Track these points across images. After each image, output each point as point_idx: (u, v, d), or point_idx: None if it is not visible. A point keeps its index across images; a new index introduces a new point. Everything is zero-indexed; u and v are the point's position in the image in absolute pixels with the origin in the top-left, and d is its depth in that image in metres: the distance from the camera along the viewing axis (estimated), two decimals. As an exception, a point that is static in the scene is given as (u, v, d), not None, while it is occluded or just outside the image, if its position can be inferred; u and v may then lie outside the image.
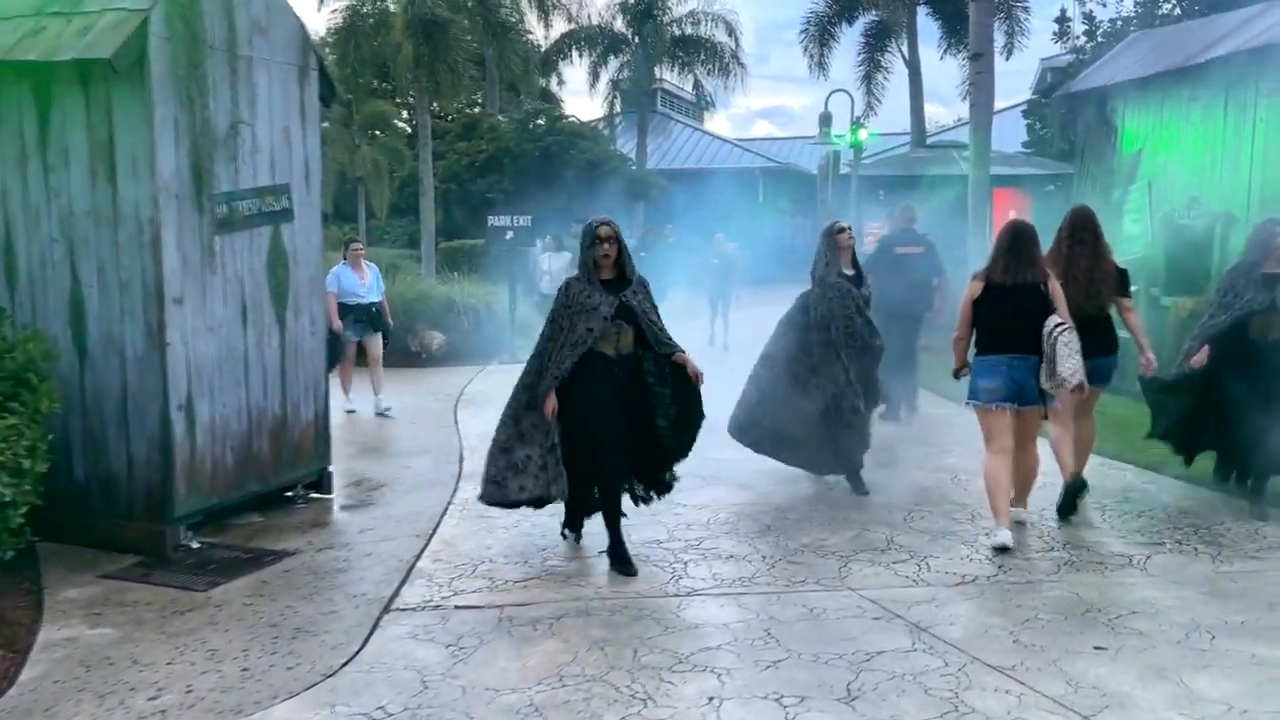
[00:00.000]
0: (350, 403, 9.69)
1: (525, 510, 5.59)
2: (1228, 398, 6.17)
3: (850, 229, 7.01)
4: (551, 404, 5.21)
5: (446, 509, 6.40)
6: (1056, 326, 5.41)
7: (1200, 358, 6.16)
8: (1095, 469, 7.42)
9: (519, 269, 14.72)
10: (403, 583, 5.04)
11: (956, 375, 5.92)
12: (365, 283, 9.65)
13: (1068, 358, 5.33)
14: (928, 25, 24.43)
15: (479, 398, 10.76)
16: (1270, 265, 6.06)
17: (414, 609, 4.70)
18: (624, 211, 22.93)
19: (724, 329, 14.26)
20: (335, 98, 7.15)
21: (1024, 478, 5.93)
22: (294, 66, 6.33)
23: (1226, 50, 10.28)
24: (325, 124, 26.89)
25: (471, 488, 6.86)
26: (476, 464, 7.55)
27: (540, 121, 24.46)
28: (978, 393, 5.59)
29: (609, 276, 5.29)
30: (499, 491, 5.35)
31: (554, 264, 13.82)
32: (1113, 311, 6.32)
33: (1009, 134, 24.97)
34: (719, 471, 7.40)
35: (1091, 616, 4.54)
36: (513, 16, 24.37)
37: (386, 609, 4.70)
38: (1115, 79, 12.31)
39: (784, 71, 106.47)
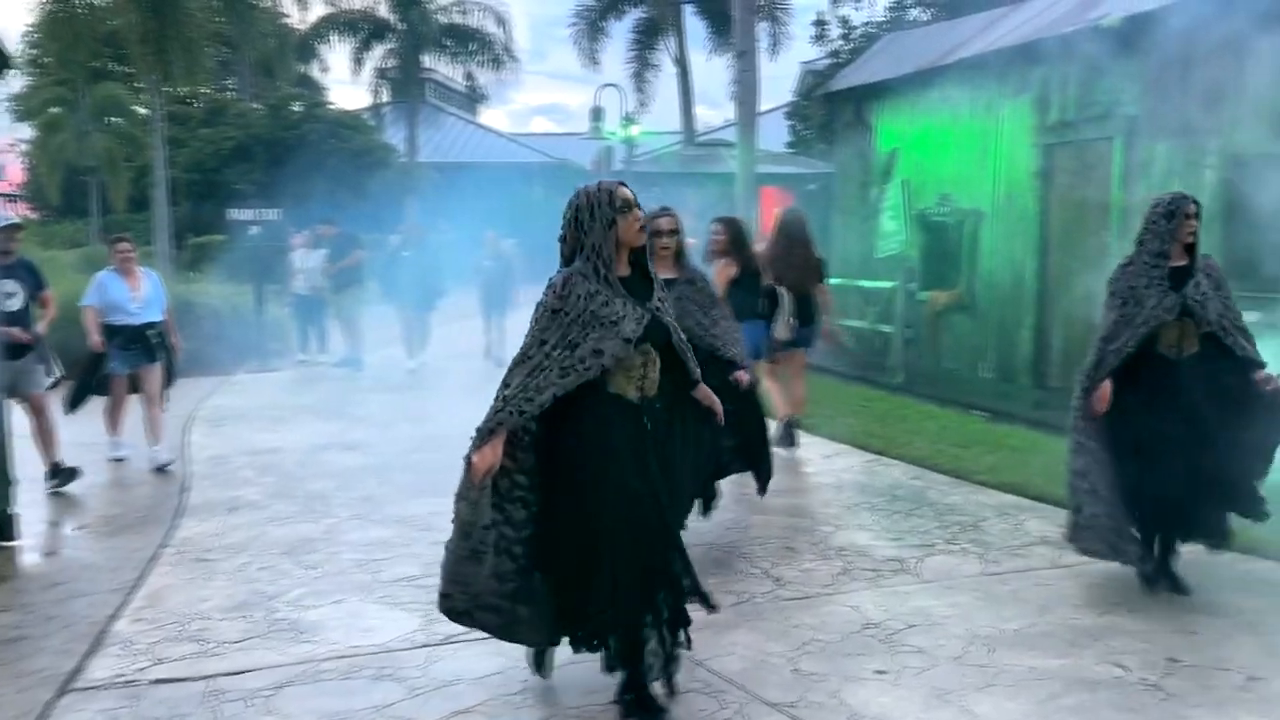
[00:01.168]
0: (120, 448, 7.62)
1: (258, 549, 4.80)
2: (1154, 444, 4.57)
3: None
4: (488, 458, 3.26)
5: (158, 554, 5.47)
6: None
7: (1102, 399, 4.62)
8: (863, 465, 7.44)
9: (277, 269, 13.54)
10: (90, 652, 4.17)
11: None
12: (138, 296, 7.39)
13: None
14: (696, 25, 24.74)
15: (218, 414, 9.66)
16: (1177, 255, 4.62)
17: (100, 686, 3.86)
18: (393, 206, 21.80)
19: (500, 339, 12.48)
20: (6, 66, 6.02)
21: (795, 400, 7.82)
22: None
23: (971, 53, 10.69)
24: (56, 110, 24.20)
25: (195, 523, 5.98)
26: (205, 494, 6.69)
27: (297, 108, 22.87)
28: None
29: (625, 274, 3.42)
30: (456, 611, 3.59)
31: (307, 262, 12.75)
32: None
33: (774, 135, 25.68)
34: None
35: (870, 634, 4.31)
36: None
37: (63, 690, 3.83)
38: (868, 80, 12.65)
39: (562, 69, 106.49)
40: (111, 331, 7.27)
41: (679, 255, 4.96)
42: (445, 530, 5.72)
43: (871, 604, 4.68)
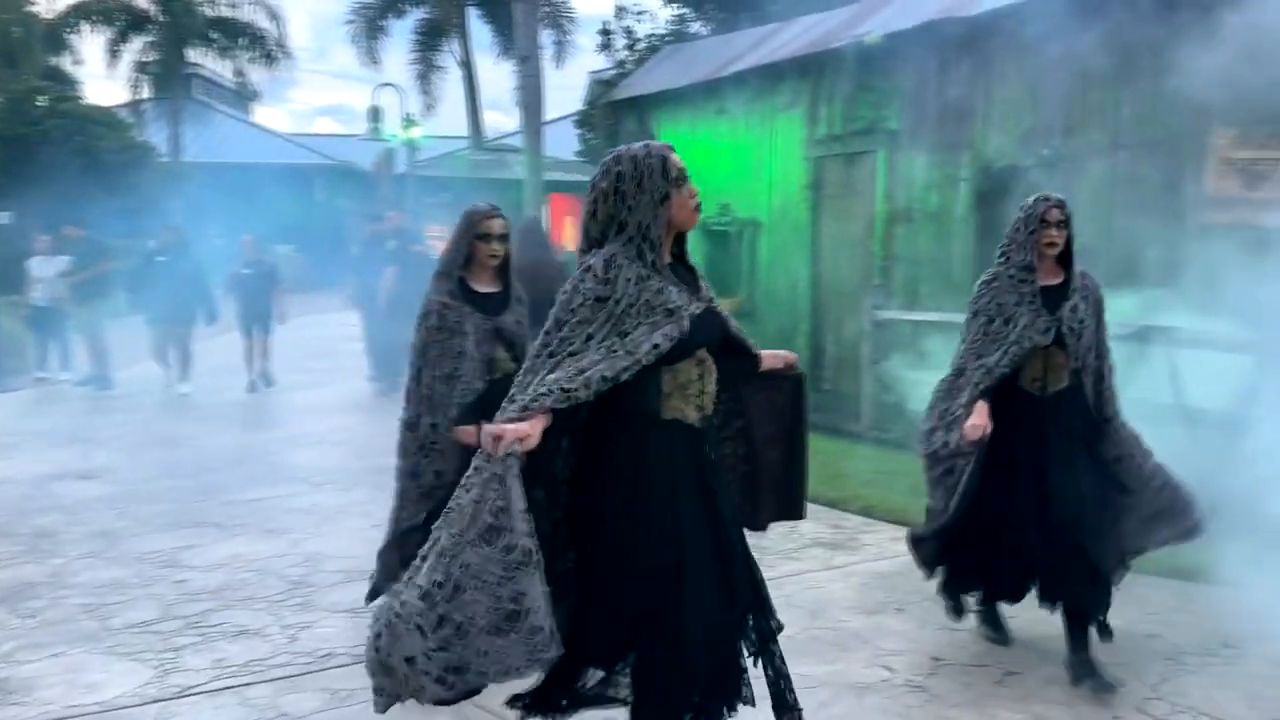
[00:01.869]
0: None
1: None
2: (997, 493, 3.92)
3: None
4: (524, 430, 2.38)
5: None
6: None
7: (978, 424, 3.83)
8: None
9: (12, 276, 12.19)
10: None
11: None
12: None
13: None
14: (482, 29, 24.35)
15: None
16: (1048, 272, 3.91)
17: None
18: (154, 209, 20.21)
19: (262, 360, 11.23)
20: None
21: None
22: None
23: (745, 66, 10.94)
24: None
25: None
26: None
27: (41, 102, 20.83)
28: None
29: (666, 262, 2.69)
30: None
31: (46, 269, 11.54)
32: None
33: (564, 143, 25.65)
34: (247, 516, 6.33)
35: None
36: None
37: None
38: (650, 90, 12.76)
39: (346, 69, 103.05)
40: None
41: (505, 266, 4.04)
42: (193, 567, 5.26)
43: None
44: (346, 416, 9.93)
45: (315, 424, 9.52)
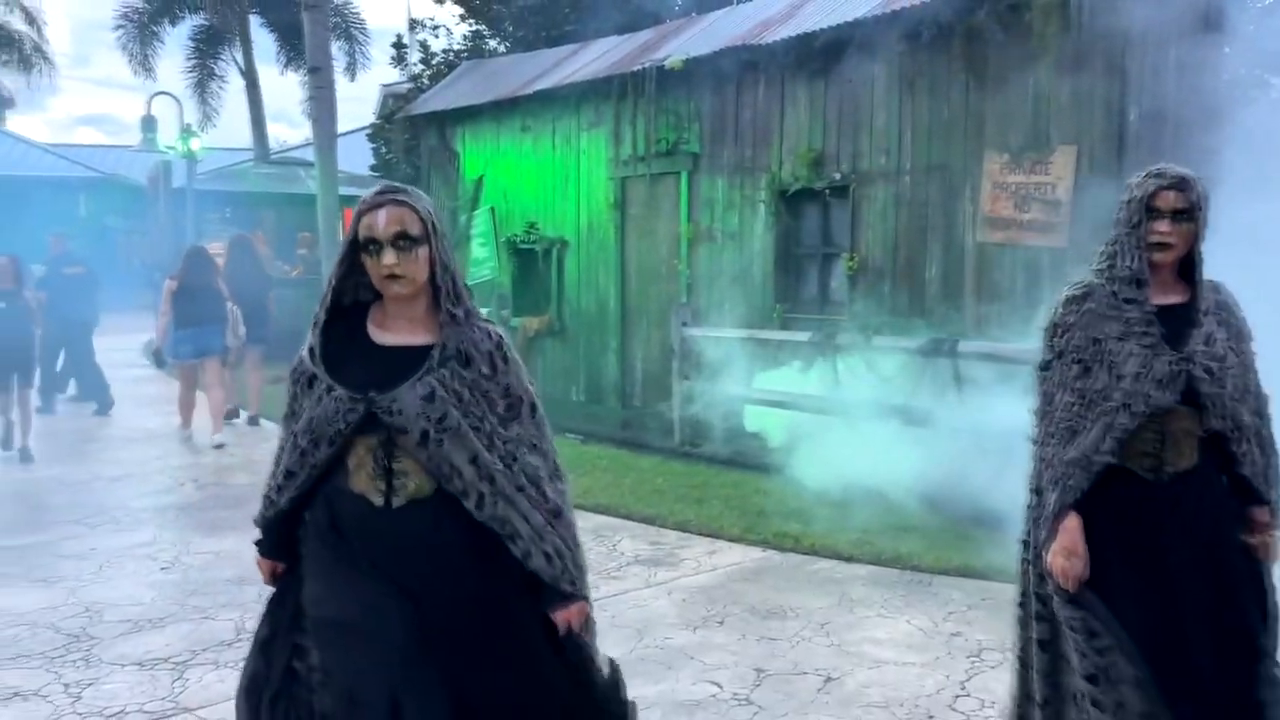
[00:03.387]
0: None
1: None
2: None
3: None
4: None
5: None
6: None
7: (1067, 563, 2.55)
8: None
9: None
10: None
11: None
12: None
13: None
14: (265, 39, 23.25)
15: None
16: (1165, 285, 2.63)
17: None
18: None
19: (22, 424, 8.63)
20: None
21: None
22: None
23: (550, 84, 10.96)
24: None
25: None
26: None
27: None
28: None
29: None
30: None
31: None
32: None
33: (357, 156, 24.81)
34: (11, 565, 5.72)
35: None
36: None
37: None
38: (451, 105, 12.57)
39: (111, 76, 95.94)
40: None
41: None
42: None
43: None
44: (124, 449, 9.18)
45: (86, 457, 8.74)
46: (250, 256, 10.86)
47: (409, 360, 2.26)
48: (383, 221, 2.24)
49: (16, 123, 32.26)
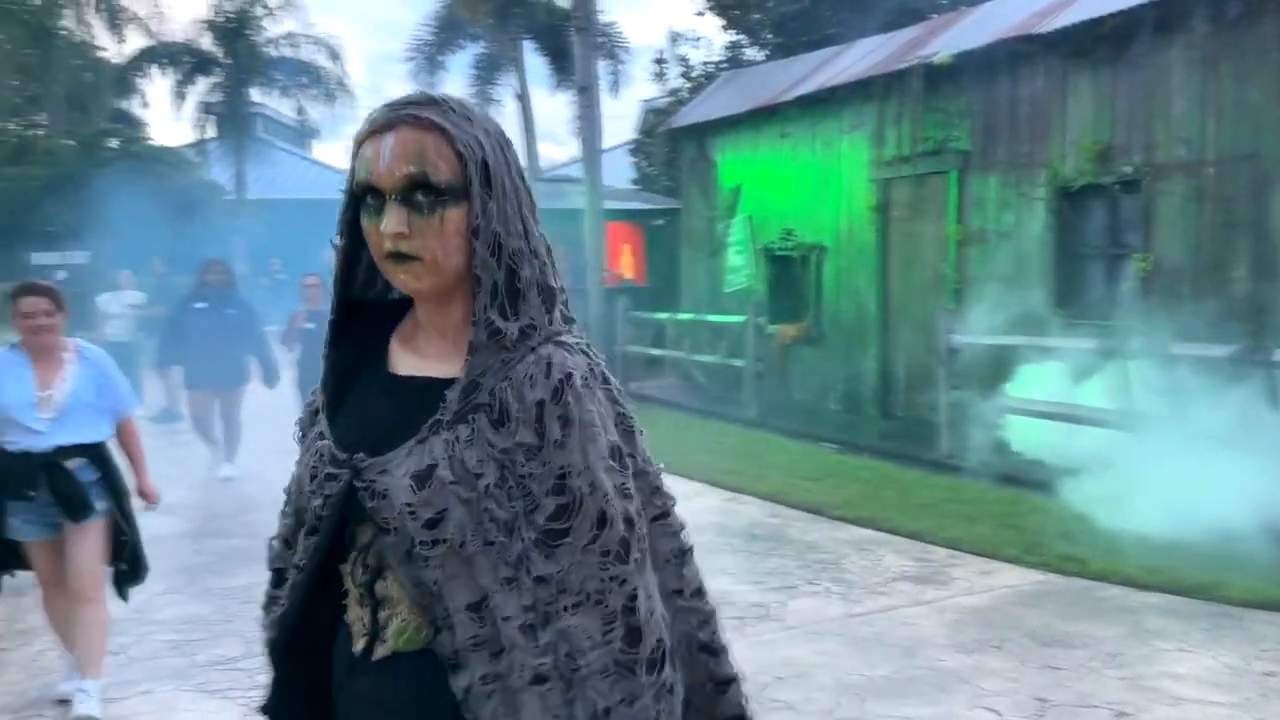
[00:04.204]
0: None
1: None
2: None
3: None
4: None
5: (-75, 650, 4.73)
6: None
7: None
8: (721, 505, 7.26)
9: (83, 315, 12.43)
10: None
11: None
12: (51, 398, 3.84)
13: None
14: (537, 62, 24.60)
15: None
16: None
17: None
18: (220, 246, 20.63)
19: None
20: None
21: None
22: None
23: (808, 89, 10.85)
24: None
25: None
26: None
27: (112, 144, 21.42)
28: None
29: None
30: None
31: (114, 305, 11.73)
32: None
33: (619, 171, 25.71)
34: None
35: (738, 692, 4.07)
36: (71, 25, 21.19)
37: None
38: (710, 116, 12.73)
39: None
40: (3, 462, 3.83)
41: None
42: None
43: (738, 655, 4.41)
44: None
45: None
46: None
47: (425, 403, 1.28)
48: (388, 156, 1.25)
49: (321, 151, 35.96)
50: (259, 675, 4.30)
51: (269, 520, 4.79)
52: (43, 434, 3.81)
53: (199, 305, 8.19)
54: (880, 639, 4.60)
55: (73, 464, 3.85)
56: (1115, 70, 7.80)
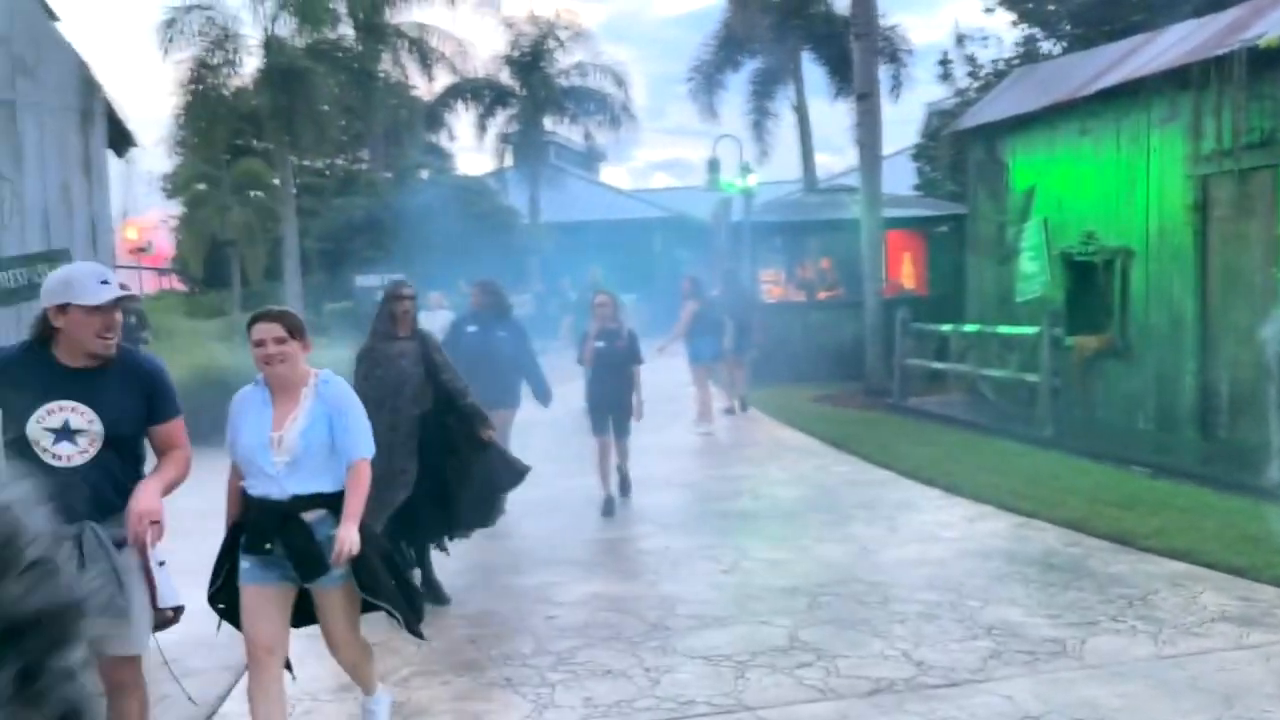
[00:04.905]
0: None
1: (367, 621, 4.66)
2: None
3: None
4: None
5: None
6: None
7: None
8: (1011, 531, 6.83)
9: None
10: (192, 739, 4.02)
11: None
12: (287, 439, 3.47)
13: None
14: (815, 71, 24.44)
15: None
16: None
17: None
18: (516, 267, 22.11)
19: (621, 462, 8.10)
20: (131, 145, 6.18)
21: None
22: (73, 111, 5.37)
23: (1114, 81, 10.02)
24: (201, 187, 25.84)
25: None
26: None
27: (424, 175, 23.55)
28: None
29: None
30: None
31: (430, 324, 12.82)
32: None
33: (899, 178, 24.95)
34: (603, 556, 6.57)
35: (1030, 732, 3.80)
36: (388, 68, 23.51)
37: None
38: (1002, 115, 12.06)
39: (680, 125, 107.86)
40: (248, 509, 3.57)
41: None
42: (560, 603, 5.48)
43: (1029, 693, 4.15)
44: (688, 459, 10.12)
45: (661, 466, 9.73)
46: (737, 284, 13.17)
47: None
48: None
49: (606, 174, 37.60)
50: (548, 673, 4.53)
51: (556, 527, 5.03)
52: (276, 479, 3.43)
53: (470, 328, 7.91)
54: (1194, 684, 4.14)
55: (311, 516, 3.44)
56: None
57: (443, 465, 5.52)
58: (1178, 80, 9.17)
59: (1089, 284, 10.60)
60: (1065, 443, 9.47)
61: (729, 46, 22.74)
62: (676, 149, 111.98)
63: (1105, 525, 6.67)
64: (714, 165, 18.05)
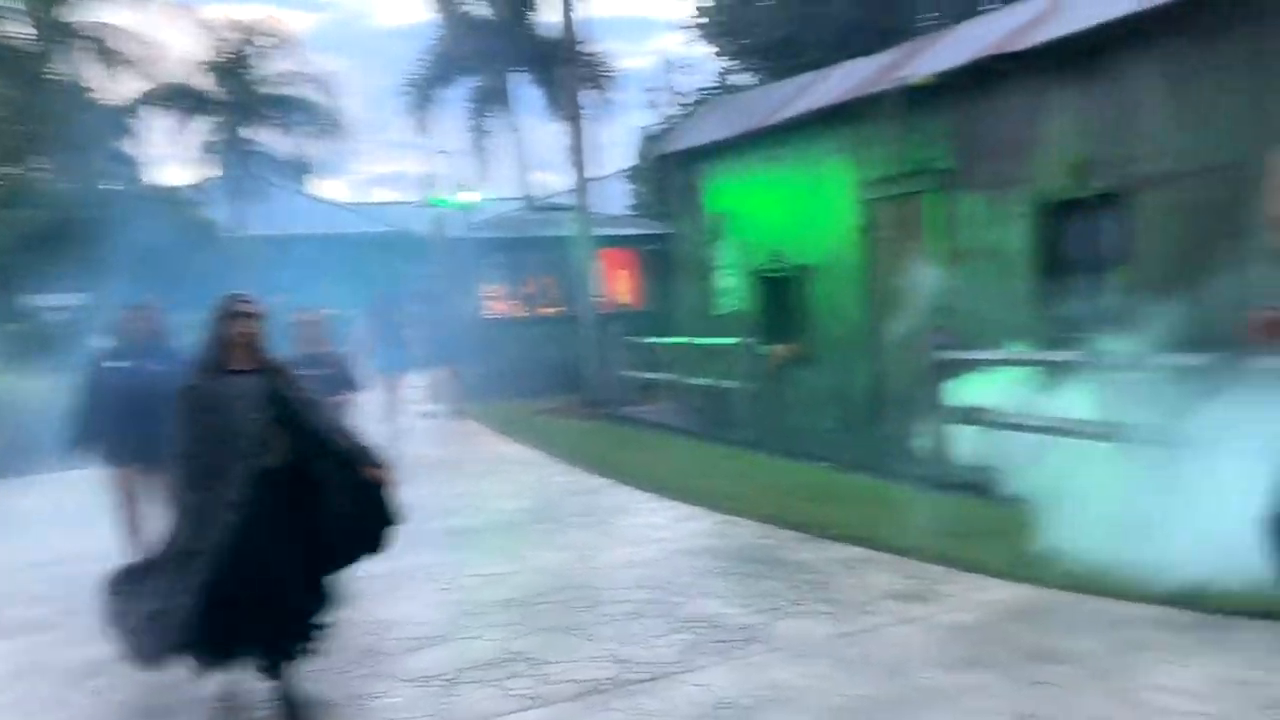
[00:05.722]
0: None
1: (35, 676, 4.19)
2: None
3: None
4: None
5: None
6: None
7: None
8: (715, 528, 7.28)
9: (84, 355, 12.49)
10: None
11: None
12: None
13: None
14: (530, 93, 24.83)
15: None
16: None
17: None
18: (219, 283, 20.74)
19: None
20: None
21: None
22: None
23: (793, 113, 10.96)
24: None
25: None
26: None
27: (111, 186, 21.60)
28: None
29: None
30: None
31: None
32: None
33: (618, 198, 25.87)
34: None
35: (724, 716, 4.08)
36: (67, 69, 21.42)
37: None
38: (699, 142, 12.84)
39: (404, 138, 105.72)
40: None
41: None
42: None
43: (724, 680, 4.45)
44: (411, 479, 9.93)
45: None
46: (433, 299, 14.53)
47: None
48: None
49: (321, 186, 36.18)
50: (255, 712, 4.32)
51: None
52: None
53: (116, 364, 6.31)
54: (866, 659, 4.61)
55: None
56: (1091, 85, 7.89)
57: (312, 530, 4.34)
58: (845, 114, 10.19)
59: (780, 298, 11.51)
60: (763, 444, 10.23)
61: (443, 63, 22.62)
62: (400, 163, 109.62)
63: (795, 517, 7.27)
64: (431, 181, 17.92)
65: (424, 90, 23.83)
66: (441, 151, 18.58)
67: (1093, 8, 7.97)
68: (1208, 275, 7.10)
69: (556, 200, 27.83)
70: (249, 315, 4.34)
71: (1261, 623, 4.70)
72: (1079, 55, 7.87)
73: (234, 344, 4.29)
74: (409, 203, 37.42)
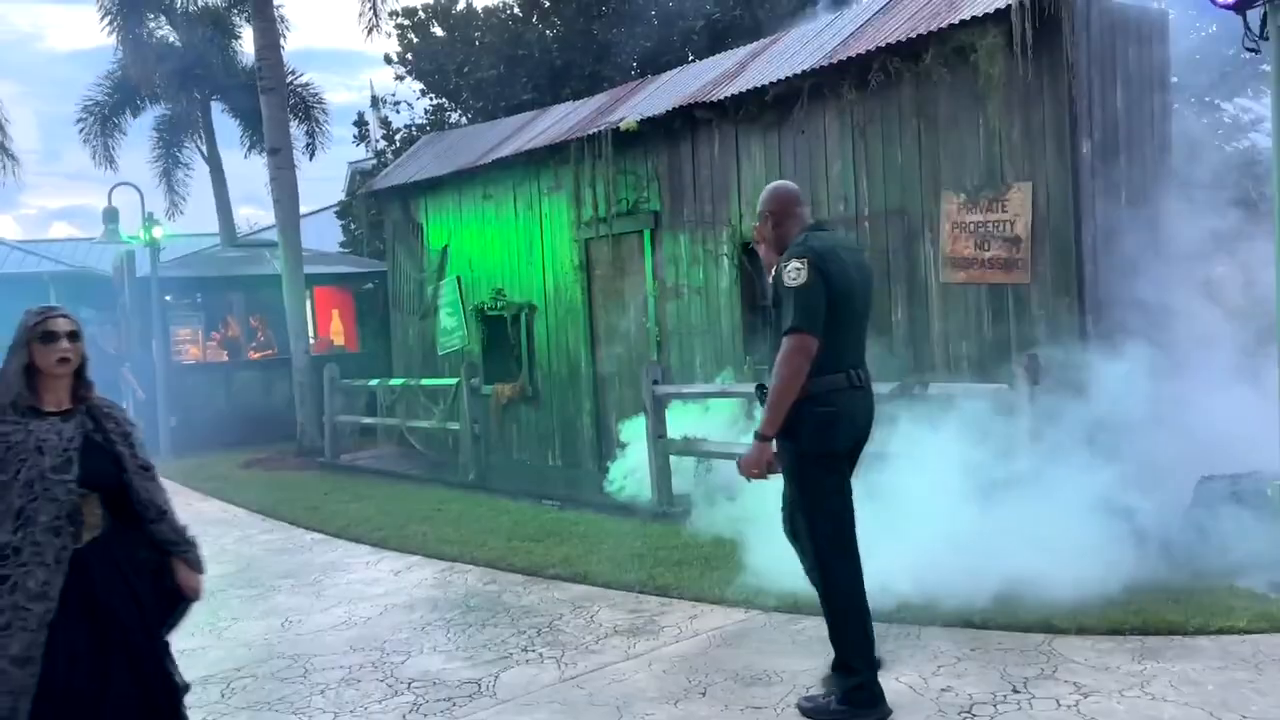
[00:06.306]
0: None
1: None
2: None
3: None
4: None
5: None
6: None
7: None
8: (436, 577, 7.02)
9: None
10: None
11: None
12: None
13: None
14: (228, 124, 23.31)
15: None
16: None
17: None
18: None
19: None
20: None
21: None
22: None
23: (508, 152, 10.98)
24: None
25: None
26: None
27: None
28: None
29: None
30: None
31: None
32: None
33: (327, 235, 24.81)
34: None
35: (445, 780, 3.88)
36: None
37: None
38: (413, 178, 12.58)
39: (83, 169, 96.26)
40: None
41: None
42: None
43: (447, 741, 4.25)
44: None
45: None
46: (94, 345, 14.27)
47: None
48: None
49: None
50: None
51: None
52: None
53: None
54: (592, 700, 4.57)
55: None
56: (781, 134, 8.46)
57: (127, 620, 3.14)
58: (560, 154, 10.33)
59: (501, 336, 11.44)
60: (488, 485, 10.06)
61: (126, 89, 20.76)
62: (79, 196, 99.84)
63: (520, 560, 7.17)
64: (112, 215, 16.29)
65: (103, 118, 21.73)
66: (126, 184, 16.92)
67: (784, 62, 8.57)
68: (887, 308, 7.78)
69: (262, 236, 26.32)
70: (60, 334, 3.13)
71: (949, 630, 5.10)
72: (769, 106, 8.42)
73: (40, 374, 3.12)
74: (88, 240, 34.02)
